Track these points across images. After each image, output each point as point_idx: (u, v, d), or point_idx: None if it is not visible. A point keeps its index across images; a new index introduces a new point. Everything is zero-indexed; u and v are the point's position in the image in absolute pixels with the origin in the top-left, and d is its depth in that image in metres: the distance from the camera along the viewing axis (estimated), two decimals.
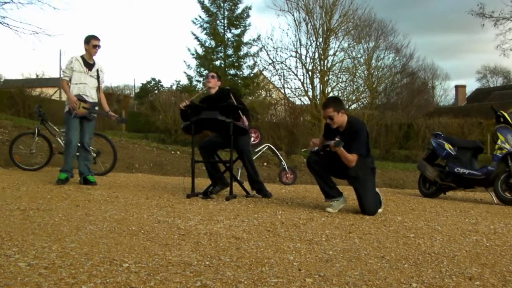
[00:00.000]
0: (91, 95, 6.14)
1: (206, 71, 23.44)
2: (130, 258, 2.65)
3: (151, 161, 9.65)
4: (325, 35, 19.45)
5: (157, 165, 9.51)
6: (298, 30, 19.85)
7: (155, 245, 2.99)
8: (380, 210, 4.94)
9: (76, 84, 6.05)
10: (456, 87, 41.15)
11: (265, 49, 20.60)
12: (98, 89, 6.26)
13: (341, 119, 4.68)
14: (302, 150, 4.89)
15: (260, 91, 23.42)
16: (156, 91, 37.03)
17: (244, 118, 5.56)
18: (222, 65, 23.50)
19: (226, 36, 23.74)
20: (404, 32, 64.50)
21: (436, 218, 4.68)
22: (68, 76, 6.06)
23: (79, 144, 6.32)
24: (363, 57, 21.98)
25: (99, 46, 6.17)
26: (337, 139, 4.57)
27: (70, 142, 6.03)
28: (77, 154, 6.42)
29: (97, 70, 6.21)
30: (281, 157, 8.44)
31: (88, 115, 6.07)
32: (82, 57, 6.16)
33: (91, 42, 6.12)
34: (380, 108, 22.60)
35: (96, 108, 6.24)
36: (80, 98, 6.01)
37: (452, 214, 5.12)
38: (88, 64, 6.15)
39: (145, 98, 31.78)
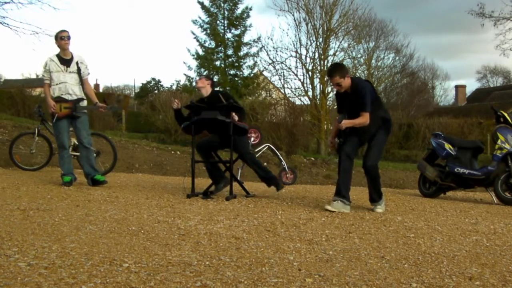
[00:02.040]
0: (75, 92, 5.89)
1: (206, 72, 23.44)
2: (130, 258, 2.65)
3: (151, 161, 9.65)
4: (325, 35, 19.45)
5: (157, 165, 9.51)
6: (298, 30, 19.86)
7: (155, 245, 2.99)
8: (380, 210, 4.96)
9: (57, 84, 5.86)
10: (456, 87, 41.11)
11: (265, 49, 20.61)
12: (82, 82, 5.98)
13: (347, 82, 4.95)
14: (338, 148, 5.14)
15: (260, 91, 23.41)
16: (156, 91, 37.02)
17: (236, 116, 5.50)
18: (222, 66, 23.50)
19: (226, 37, 23.74)
20: (404, 32, 64.48)
21: (436, 218, 4.68)
22: (48, 79, 5.89)
23: (76, 143, 6.23)
24: (363, 57, 22.02)
25: (68, 37, 5.88)
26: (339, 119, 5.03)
27: (63, 146, 5.90)
28: (78, 154, 6.37)
29: (77, 63, 5.93)
30: (281, 157, 8.44)
31: (72, 114, 5.86)
32: (57, 55, 5.93)
33: (59, 35, 5.87)
34: None
35: (82, 103, 5.96)
36: (59, 100, 5.82)
37: (452, 214, 5.12)
38: (65, 61, 5.90)
39: (145, 98, 31.78)
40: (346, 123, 4.86)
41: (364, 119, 4.85)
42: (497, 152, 6.40)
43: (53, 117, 5.89)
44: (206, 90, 5.81)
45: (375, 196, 5.08)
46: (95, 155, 7.26)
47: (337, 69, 5.01)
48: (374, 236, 3.62)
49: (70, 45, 5.95)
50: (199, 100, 5.93)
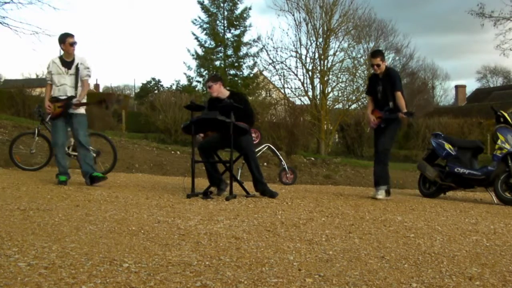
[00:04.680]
0: (71, 94, 6.03)
1: (206, 72, 23.43)
2: (130, 258, 2.65)
3: (151, 161, 9.65)
4: (325, 35, 19.43)
5: (157, 165, 9.51)
6: (298, 30, 19.84)
7: (155, 245, 2.99)
8: (381, 196, 5.94)
9: (57, 86, 6.04)
10: (456, 87, 41.11)
11: (265, 49, 20.59)
12: (76, 84, 6.03)
13: (383, 67, 6.08)
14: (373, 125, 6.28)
15: (260, 91, 23.41)
16: (156, 91, 36.97)
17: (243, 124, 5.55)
18: (222, 66, 23.48)
19: (226, 37, 23.72)
20: (404, 32, 64.47)
21: (436, 218, 4.69)
22: (50, 80, 6.11)
23: (67, 145, 6.48)
24: (363, 57, 21.96)
25: (75, 43, 6.05)
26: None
27: (56, 144, 6.12)
28: (76, 154, 6.46)
29: (77, 65, 6.04)
30: (281, 157, 8.44)
31: (64, 112, 5.97)
32: (60, 57, 6.08)
33: (67, 41, 6.00)
34: None
35: (74, 101, 6.02)
36: (55, 100, 6.02)
37: (452, 214, 5.12)
38: (67, 63, 6.04)
39: (145, 98, 31.74)
40: (404, 112, 5.84)
41: (401, 99, 5.91)
42: (497, 152, 6.40)
43: (50, 117, 6.14)
44: (223, 93, 5.81)
45: (381, 181, 6.05)
46: (94, 155, 7.34)
47: (381, 52, 6.36)
48: (374, 236, 3.62)
49: (75, 50, 6.08)
50: (213, 100, 5.87)
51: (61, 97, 6.02)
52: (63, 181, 5.91)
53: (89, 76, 6.22)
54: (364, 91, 21.25)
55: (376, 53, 6.23)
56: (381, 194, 5.99)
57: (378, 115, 6.09)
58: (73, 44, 6.03)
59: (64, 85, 6.03)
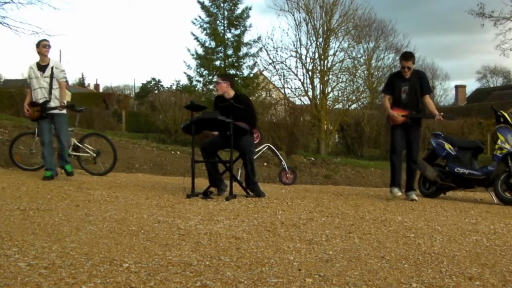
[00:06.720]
0: (48, 95, 6.45)
1: (206, 71, 23.42)
2: (130, 258, 2.65)
3: (151, 161, 9.64)
4: (325, 35, 19.42)
5: (157, 165, 9.51)
6: (298, 30, 19.82)
7: (155, 245, 2.99)
8: (415, 198, 6.09)
9: (35, 89, 6.47)
10: (456, 87, 41.12)
11: (265, 49, 20.58)
12: (51, 86, 6.42)
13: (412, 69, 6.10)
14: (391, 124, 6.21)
15: (260, 91, 23.40)
16: (156, 91, 37.00)
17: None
18: (222, 65, 23.47)
19: (226, 37, 23.70)
20: (404, 32, 64.44)
21: (436, 218, 4.68)
22: (30, 85, 6.56)
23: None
24: (363, 57, 21.97)
25: (48, 46, 6.48)
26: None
27: (43, 143, 6.50)
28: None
29: (52, 68, 6.46)
30: (281, 157, 8.43)
31: (44, 114, 6.40)
32: (37, 63, 6.50)
33: (41, 43, 6.46)
34: (380, 108, 22.53)
35: (49, 104, 6.41)
36: (33, 104, 6.44)
37: (452, 214, 5.12)
38: (42, 67, 6.48)
39: (145, 98, 31.76)
40: (438, 114, 5.98)
41: (431, 102, 6.22)
42: (497, 152, 6.40)
43: (31, 120, 6.63)
44: (228, 93, 5.82)
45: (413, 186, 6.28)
46: (95, 155, 7.49)
47: (413, 55, 6.16)
48: (374, 236, 3.62)
49: (49, 52, 6.52)
50: (219, 99, 5.91)
51: (39, 101, 6.43)
52: (48, 177, 6.32)
53: (65, 77, 6.67)
54: (364, 91, 21.26)
55: (410, 56, 6.06)
56: (415, 196, 6.24)
57: (402, 113, 6.07)
58: (45, 46, 6.44)
59: (41, 88, 6.45)
